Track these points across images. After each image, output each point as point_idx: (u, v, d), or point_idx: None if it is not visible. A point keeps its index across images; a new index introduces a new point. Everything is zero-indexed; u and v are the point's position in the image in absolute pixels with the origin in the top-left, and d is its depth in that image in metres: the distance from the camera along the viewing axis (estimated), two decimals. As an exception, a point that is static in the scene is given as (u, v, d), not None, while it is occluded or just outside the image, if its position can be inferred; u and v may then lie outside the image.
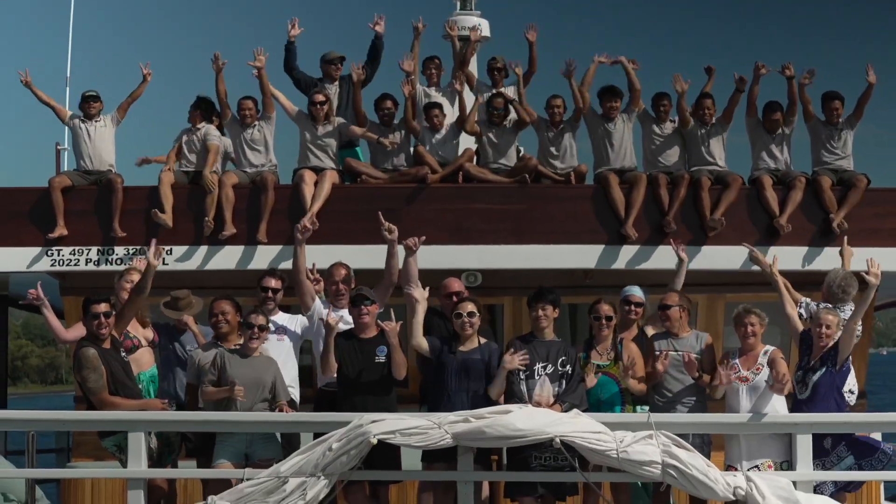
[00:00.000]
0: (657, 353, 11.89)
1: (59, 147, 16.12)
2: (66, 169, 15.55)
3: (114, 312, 11.66)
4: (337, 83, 15.81)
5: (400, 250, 12.54)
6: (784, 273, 14.12)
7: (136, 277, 12.40)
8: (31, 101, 15.67)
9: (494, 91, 15.62)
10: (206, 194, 14.48)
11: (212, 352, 11.80)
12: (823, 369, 11.52)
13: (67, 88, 16.24)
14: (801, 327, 12.19)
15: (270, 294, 12.55)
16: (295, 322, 12.68)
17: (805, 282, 13.59)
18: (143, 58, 15.34)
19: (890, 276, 14.95)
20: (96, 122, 14.97)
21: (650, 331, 12.57)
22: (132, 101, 15.20)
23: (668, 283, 13.04)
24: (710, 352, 12.08)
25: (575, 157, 15.29)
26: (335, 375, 11.76)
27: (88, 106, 15.02)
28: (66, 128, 15.34)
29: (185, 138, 15.07)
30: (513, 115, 15.31)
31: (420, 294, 11.76)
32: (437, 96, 15.78)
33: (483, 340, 11.72)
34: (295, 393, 12.36)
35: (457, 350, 11.55)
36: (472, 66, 16.69)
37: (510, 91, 15.64)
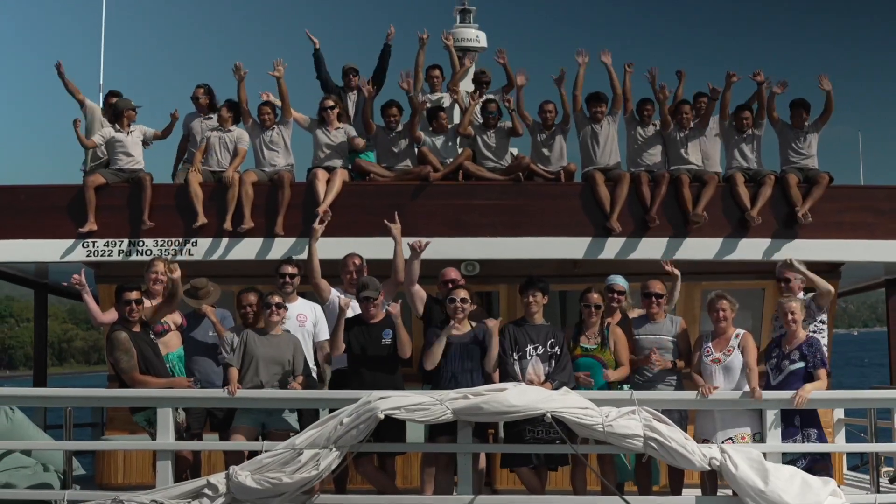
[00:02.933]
0: (636, 336, 11.90)
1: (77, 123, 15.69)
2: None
3: (143, 299, 11.71)
4: (355, 91, 15.85)
5: (405, 245, 12.55)
6: (752, 262, 14.19)
7: (160, 267, 12.52)
8: (66, 102, 15.62)
9: (487, 97, 15.61)
10: (227, 191, 14.48)
11: (238, 332, 11.95)
12: (801, 364, 11.48)
13: (100, 94, 16.17)
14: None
15: (288, 279, 12.57)
16: (312, 308, 12.67)
17: (772, 270, 13.57)
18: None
19: (850, 266, 15.06)
20: (129, 131, 14.96)
21: (632, 315, 12.56)
22: (160, 138, 15.28)
23: (647, 272, 13.00)
24: (685, 335, 12.09)
25: (564, 157, 15.28)
26: (342, 353, 11.75)
27: (125, 116, 15.01)
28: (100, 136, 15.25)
29: (216, 136, 15.00)
30: (505, 122, 15.29)
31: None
32: (438, 100, 15.81)
33: (474, 324, 11.74)
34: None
35: (452, 334, 11.58)
36: (470, 78, 16.65)
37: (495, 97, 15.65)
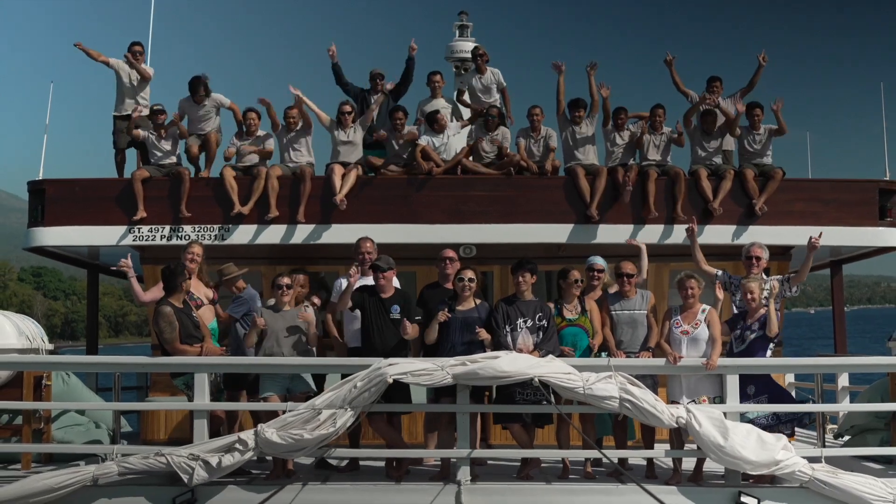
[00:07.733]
0: (612, 312, 11.83)
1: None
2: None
3: (188, 280, 11.78)
4: (380, 94, 15.71)
5: None
6: (715, 246, 14.10)
7: (196, 250, 12.54)
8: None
9: (491, 105, 15.55)
10: (254, 183, 14.41)
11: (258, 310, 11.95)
12: (761, 332, 11.43)
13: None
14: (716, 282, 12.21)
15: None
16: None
17: (733, 253, 13.53)
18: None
19: (799, 249, 15.00)
20: (165, 134, 14.89)
21: (611, 291, 12.47)
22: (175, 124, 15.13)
23: (622, 255, 12.90)
24: (654, 309, 12.00)
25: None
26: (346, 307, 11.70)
27: (156, 118, 14.97)
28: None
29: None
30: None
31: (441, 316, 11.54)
32: (438, 104, 15.72)
33: (478, 301, 11.65)
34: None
35: (456, 309, 11.49)
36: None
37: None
